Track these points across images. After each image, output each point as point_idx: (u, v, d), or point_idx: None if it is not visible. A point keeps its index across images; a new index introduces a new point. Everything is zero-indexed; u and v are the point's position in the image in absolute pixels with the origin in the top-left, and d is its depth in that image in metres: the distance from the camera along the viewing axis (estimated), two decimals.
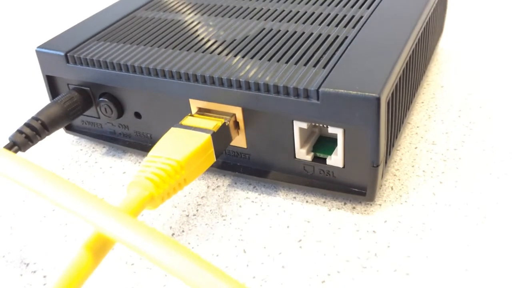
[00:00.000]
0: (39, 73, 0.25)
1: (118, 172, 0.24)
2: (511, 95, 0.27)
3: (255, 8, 0.26)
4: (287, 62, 0.20)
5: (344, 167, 0.20)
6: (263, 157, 0.21)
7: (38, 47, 0.24)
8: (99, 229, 0.14)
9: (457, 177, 0.21)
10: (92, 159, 0.25)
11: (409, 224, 0.19)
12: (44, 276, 0.19)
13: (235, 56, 0.21)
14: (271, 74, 0.19)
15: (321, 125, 0.19)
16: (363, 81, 0.18)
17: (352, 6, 0.25)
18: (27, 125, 0.21)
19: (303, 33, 0.22)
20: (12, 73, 0.35)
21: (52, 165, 0.25)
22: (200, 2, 0.27)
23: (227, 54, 0.21)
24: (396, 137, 0.22)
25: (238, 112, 0.20)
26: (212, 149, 0.19)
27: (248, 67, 0.20)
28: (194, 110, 0.21)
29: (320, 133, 0.21)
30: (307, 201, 0.21)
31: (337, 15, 0.24)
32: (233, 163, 0.22)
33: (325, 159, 0.20)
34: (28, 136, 0.21)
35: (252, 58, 0.21)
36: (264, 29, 0.23)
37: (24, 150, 0.21)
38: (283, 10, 0.25)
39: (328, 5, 0.25)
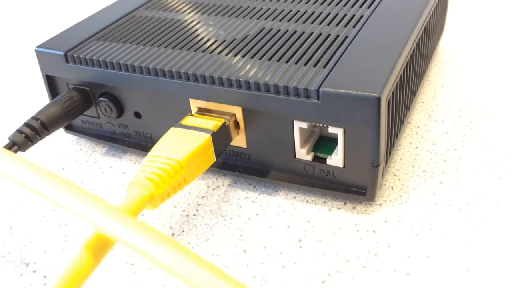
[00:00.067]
0: (39, 72, 0.25)
1: (118, 172, 0.24)
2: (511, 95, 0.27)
3: (255, 8, 0.25)
4: (287, 62, 0.20)
5: (344, 167, 0.20)
6: (263, 157, 0.21)
7: (38, 46, 0.24)
8: (99, 229, 0.14)
9: (458, 177, 0.21)
10: (92, 159, 0.25)
11: (409, 224, 0.19)
12: (44, 276, 0.19)
13: (235, 55, 0.21)
14: (271, 74, 0.19)
15: (321, 125, 0.19)
16: (363, 81, 0.18)
17: (353, 6, 0.25)
18: (26, 125, 0.21)
19: (303, 32, 0.22)
20: (12, 73, 0.35)
21: (52, 165, 0.25)
22: (200, 1, 0.27)
23: (227, 54, 0.21)
24: (397, 137, 0.22)
25: (238, 112, 0.20)
26: (212, 149, 0.19)
27: (248, 66, 0.20)
28: (194, 110, 0.21)
29: (320, 133, 0.21)
30: (307, 201, 0.21)
31: (337, 14, 0.24)
32: (233, 163, 0.22)
33: (325, 159, 0.20)
34: (27, 136, 0.21)
35: (252, 57, 0.21)
36: (264, 28, 0.23)
37: (24, 150, 0.21)
38: (283, 10, 0.25)
39: (329, 4, 0.25)
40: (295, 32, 0.22)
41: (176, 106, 0.22)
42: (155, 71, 0.21)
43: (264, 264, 0.18)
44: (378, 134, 0.18)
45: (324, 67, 0.19)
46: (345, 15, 0.24)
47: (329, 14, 0.24)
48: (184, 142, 0.19)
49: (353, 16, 0.23)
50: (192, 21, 0.25)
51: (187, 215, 0.21)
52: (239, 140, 0.21)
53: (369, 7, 0.24)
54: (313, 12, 0.24)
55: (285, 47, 0.21)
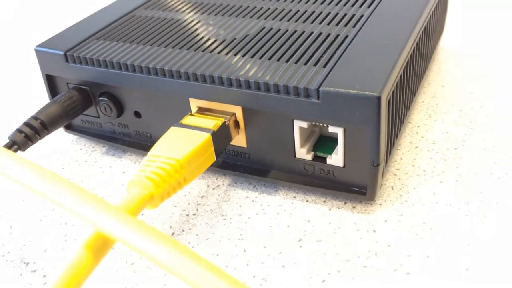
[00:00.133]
0: (39, 72, 0.25)
1: (118, 171, 0.24)
2: None
3: (255, 7, 0.25)
4: (287, 61, 0.20)
5: (344, 166, 0.20)
6: (263, 156, 0.21)
7: (37, 46, 0.24)
8: (99, 228, 0.14)
9: (458, 176, 0.21)
10: (92, 159, 0.25)
11: (409, 224, 0.19)
12: (44, 276, 0.19)
13: (235, 55, 0.21)
14: (271, 73, 0.19)
15: (321, 124, 0.19)
16: (363, 80, 0.18)
17: (353, 5, 0.25)
18: (26, 124, 0.21)
19: (303, 32, 0.22)
20: (12, 73, 0.35)
21: (51, 164, 0.25)
22: (200, 1, 0.27)
23: (227, 53, 0.21)
24: (397, 137, 0.22)
25: (238, 111, 0.20)
26: (212, 149, 0.19)
27: (248, 66, 0.20)
28: (194, 109, 0.21)
29: (320, 133, 0.21)
30: (307, 201, 0.21)
31: (337, 14, 0.24)
32: (233, 163, 0.22)
33: (325, 159, 0.20)
34: (27, 136, 0.21)
35: (252, 57, 0.21)
36: (264, 28, 0.23)
37: (23, 150, 0.21)
38: (283, 9, 0.25)
39: (329, 4, 0.25)
40: (295, 31, 0.22)
41: (176, 105, 0.22)
42: (155, 71, 0.21)
43: (264, 264, 0.18)
44: (378, 134, 0.18)
45: (324, 66, 0.19)
46: (345, 14, 0.24)
47: (329, 13, 0.24)
48: (184, 142, 0.19)
49: (353, 15, 0.23)
50: (192, 21, 0.25)
51: (187, 215, 0.21)
52: (239, 140, 0.21)
53: (369, 6, 0.24)
54: (313, 12, 0.24)
55: (285, 46, 0.21)
